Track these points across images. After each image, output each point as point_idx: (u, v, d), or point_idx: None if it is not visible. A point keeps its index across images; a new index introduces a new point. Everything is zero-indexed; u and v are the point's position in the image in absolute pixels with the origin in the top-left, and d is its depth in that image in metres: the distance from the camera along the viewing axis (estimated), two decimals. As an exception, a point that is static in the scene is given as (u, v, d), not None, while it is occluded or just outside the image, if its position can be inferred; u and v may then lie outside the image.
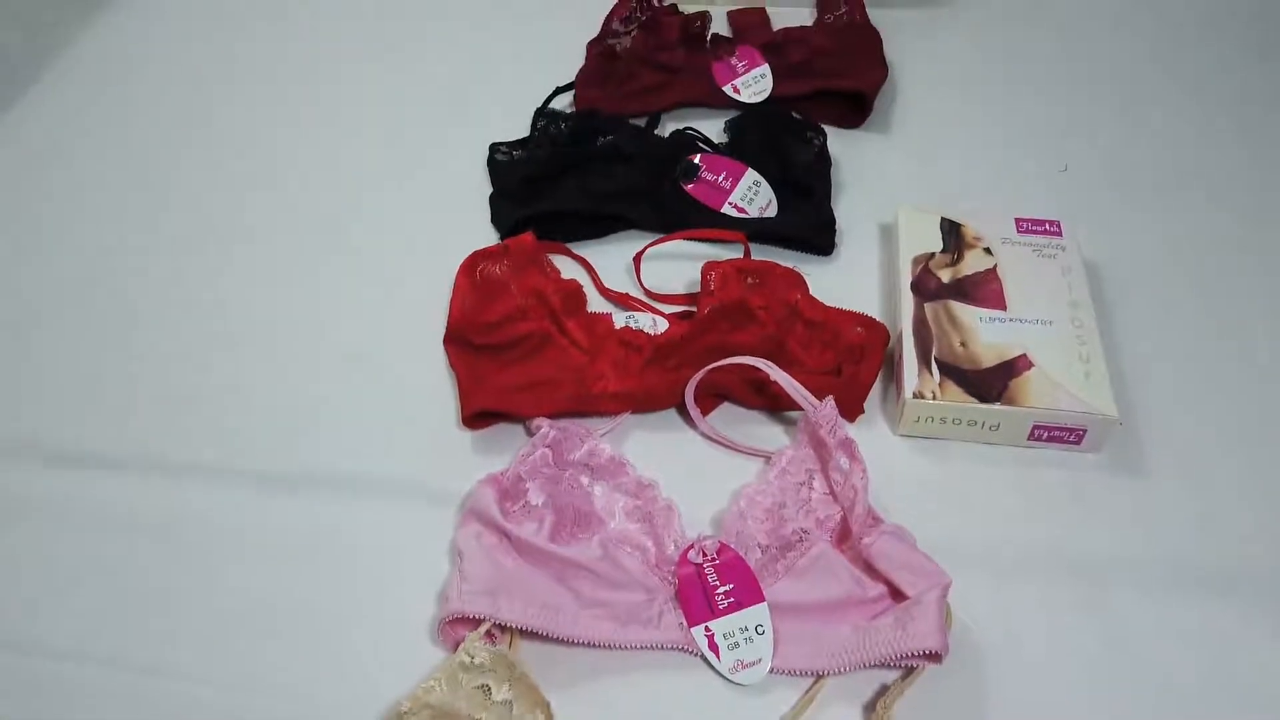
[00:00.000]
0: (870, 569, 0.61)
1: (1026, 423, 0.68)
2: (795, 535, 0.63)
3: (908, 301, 0.74)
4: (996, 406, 0.67)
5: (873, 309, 0.78)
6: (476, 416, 0.71)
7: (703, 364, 0.70)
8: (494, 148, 0.91)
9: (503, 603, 0.58)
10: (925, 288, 0.75)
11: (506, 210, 0.87)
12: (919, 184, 0.90)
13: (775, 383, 0.68)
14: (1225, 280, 0.82)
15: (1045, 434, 0.68)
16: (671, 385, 0.71)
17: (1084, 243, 0.80)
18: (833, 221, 0.86)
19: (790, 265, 0.79)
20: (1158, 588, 0.64)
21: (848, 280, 0.82)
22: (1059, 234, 0.78)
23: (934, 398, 0.68)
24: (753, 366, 0.68)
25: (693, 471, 0.70)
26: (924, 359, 0.70)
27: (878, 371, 0.73)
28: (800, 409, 0.68)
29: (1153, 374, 0.75)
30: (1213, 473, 0.69)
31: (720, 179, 0.87)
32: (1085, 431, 0.68)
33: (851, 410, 0.72)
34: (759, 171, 0.87)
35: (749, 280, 0.77)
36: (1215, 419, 0.72)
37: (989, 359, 0.70)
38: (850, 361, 0.73)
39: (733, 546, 0.63)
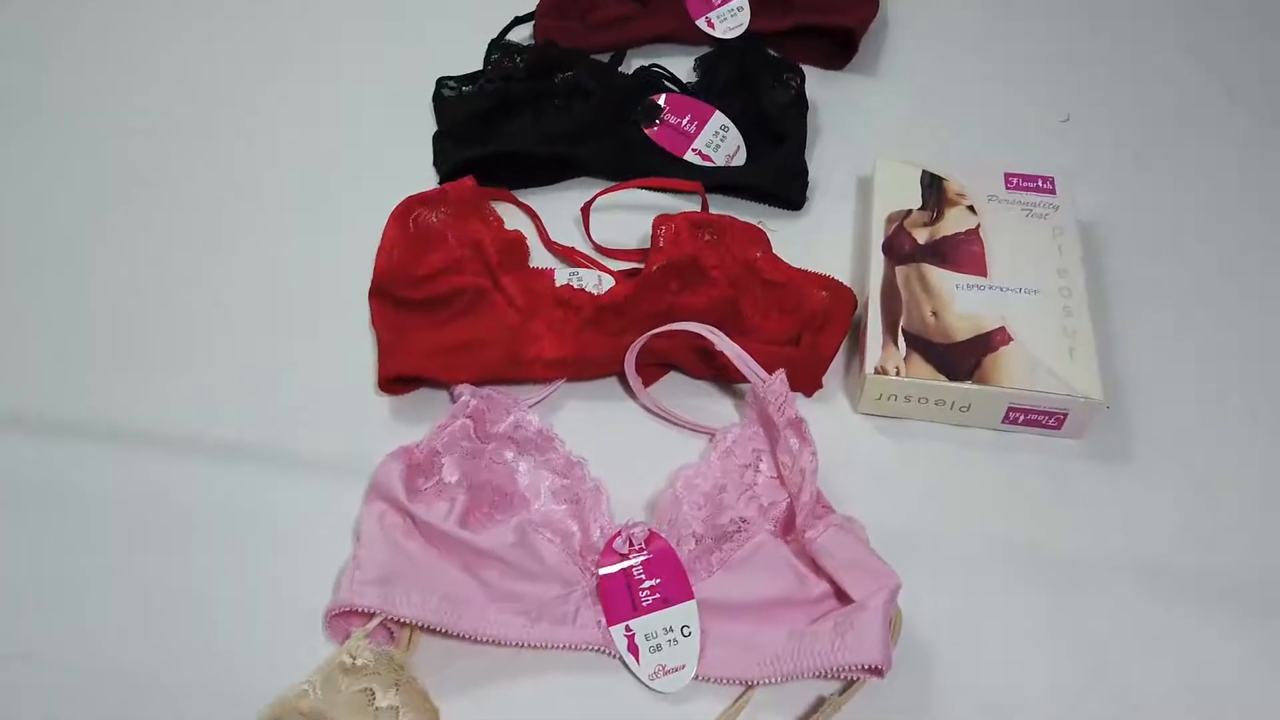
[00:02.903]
0: (816, 564, 0.55)
1: (1001, 404, 0.61)
2: (734, 524, 0.57)
3: (877, 263, 0.67)
4: (967, 385, 0.60)
5: (843, 271, 0.71)
6: (394, 381, 0.64)
7: (648, 328, 0.63)
8: (441, 82, 0.83)
9: (398, 594, 0.52)
10: (898, 249, 0.68)
11: (450, 151, 0.80)
12: (905, 134, 0.82)
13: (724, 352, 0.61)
14: (1235, 250, 0.74)
15: (1021, 417, 0.61)
16: (612, 351, 0.64)
17: (1081, 202, 0.72)
18: (805, 172, 0.78)
19: (755, 221, 0.72)
20: (1134, 591, 0.57)
21: (817, 238, 0.74)
22: (1052, 191, 0.70)
23: (898, 374, 0.61)
24: (700, 334, 0.61)
25: (630, 448, 0.63)
26: (890, 329, 0.63)
27: (840, 341, 0.66)
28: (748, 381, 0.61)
29: (1147, 352, 0.67)
30: (1204, 465, 0.62)
31: (684, 122, 0.79)
32: (1066, 415, 0.61)
33: (809, 384, 0.65)
34: (728, 115, 0.80)
35: (705, 236, 0.69)
36: (1214, 405, 0.65)
37: (963, 331, 0.63)
38: (811, 329, 0.66)
39: (664, 535, 0.57)
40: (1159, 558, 0.59)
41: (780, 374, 0.60)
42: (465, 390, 0.62)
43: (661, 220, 0.70)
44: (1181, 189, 0.78)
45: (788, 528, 0.57)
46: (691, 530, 0.57)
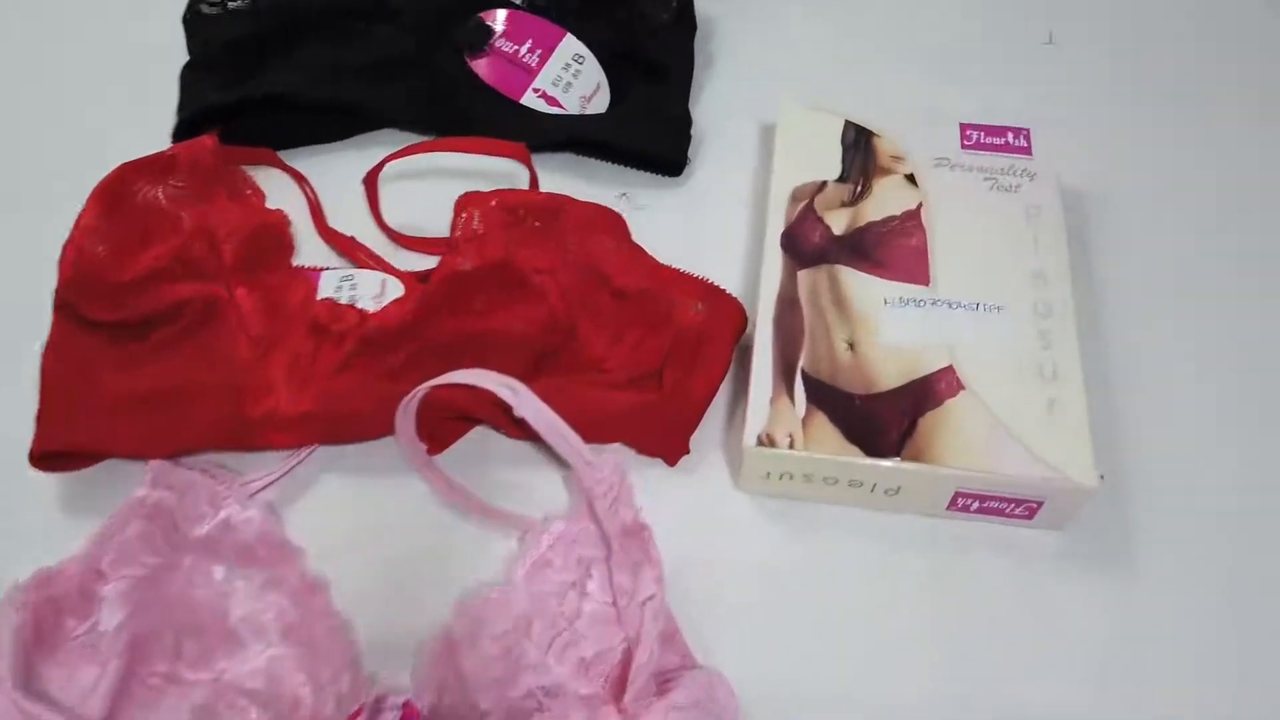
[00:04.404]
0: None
1: (945, 488, 0.41)
2: (534, 700, 0.37)
3: (772, 267, 0.46)
4: (893, 464, 0.41)
5: (735, 270, 0.51)
6: (51, 457, 0.44)
7: (438, 365, 0.43)
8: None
9: None
10: (804, 243, 0.47)
11: (199, 94, 0.57)
12: (829, 66, 0.60)
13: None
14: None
15: (975, 504, 0.42)
16: (379, 403, 0.43)
17: (1067, 165, 0.51)
18: (688, 121, 0.56)
19: (613, 194, 0.51)
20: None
21: (702, 219, 0.53)
22: (1027, 150, 0.50)
23: (791, 445, 0.41)
24: (493, 389, 0.40)
25: (413, 551, 0.43)
26: (785, 370, 0.43)
27: (720, 379, 0.46)
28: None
29: (1161, 390, 0.47)
30: (1237, 570, 0.43)
31: (524, 51, 0.57)
32: (1041, 504, 0.41)
33: (672, 445, 0.45)
34: (585, 40, 0.58)
35: (532, 223, 0.48)
36: (1256, 476, 0.46)
37: (891, 373, 0.42)
38: (678, 363, 0.46)
39: (426, 714, 0.37)
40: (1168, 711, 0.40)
41: (613, 459, 0.39)
42: (152, 472, 0.42)
43: (463, 203, 0.49)
44: (1209, 140, 0.57)
45: (623, 688, 0.38)
46: (473, 704, 0.38)
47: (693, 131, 0.56)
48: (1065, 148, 0.51)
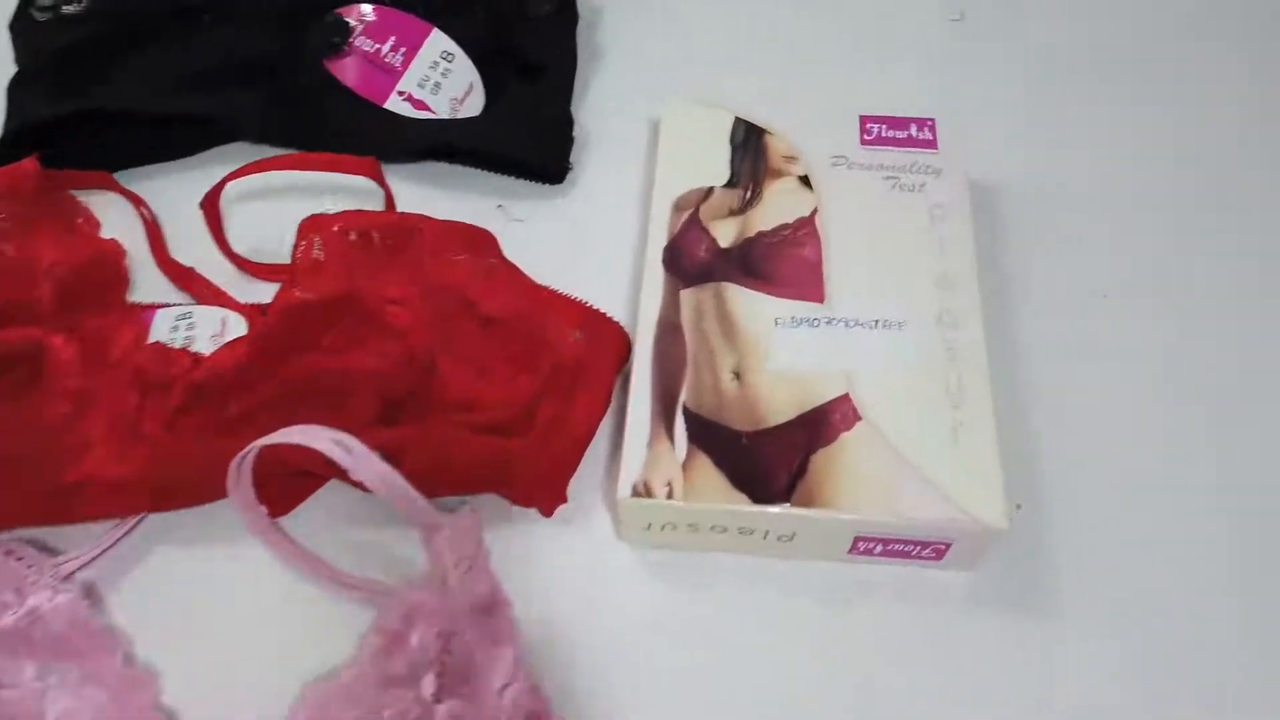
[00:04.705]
0: None
1: (842, 534, 0.37)
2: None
3: (652, 287, 0.42)
4: (783, 510, 0.36)
5: (620, 289, 0.46)
6: None
7: (278, 415, 0.38)
8: (27, 2, 0.55)
9: None
10: (688, 258, 0.42)
11: (26, 109, 0.52)
12: (728, 55, 0.55)
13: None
14: (1228, 231, 0.50)
15: (878, 547, 0.38)
16: (214, 462, 0.38)
17: (978, 157, 0.47)
18: (569, 123, 0.52)
19: (486, 209, 0.46)
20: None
21: (586, 232, 0.49)
22: (932, 144, 0.45)
23: (670, 494, 0.37)
24: (332, 438, 0.35)
25: (255, 632, 0.38)
26: (665, 406, 0.38)
27: (600, 415, 0.41)
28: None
29: (1082, 403, 0.43)
30: (1158, 605, 0.39)
31: (386, 50, 0.52)
32: (949, 546, 0.37)
33: (547, 493, 0.40)
34: (455, 35, 0.53)
35: (383, 246, 0.43)
36: (1191, 501, 0.42)
37: (781, 406, 0.38)
38: (554, 399, 0.41)
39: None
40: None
41: (467, 522, 0.35)
42: (-56, 556, 0.37)
43: (305, 228, 0.43)
44: (1142, 127, 0.53)
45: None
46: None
47: (576, 133, 0.52)
48: (976, 138, 0.46)
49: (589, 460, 0.41)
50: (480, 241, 0.45)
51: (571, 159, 0.51)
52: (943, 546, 0.37)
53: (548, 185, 0.50)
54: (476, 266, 0.43)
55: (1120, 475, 0.41)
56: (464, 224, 0.44)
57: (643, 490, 0.36)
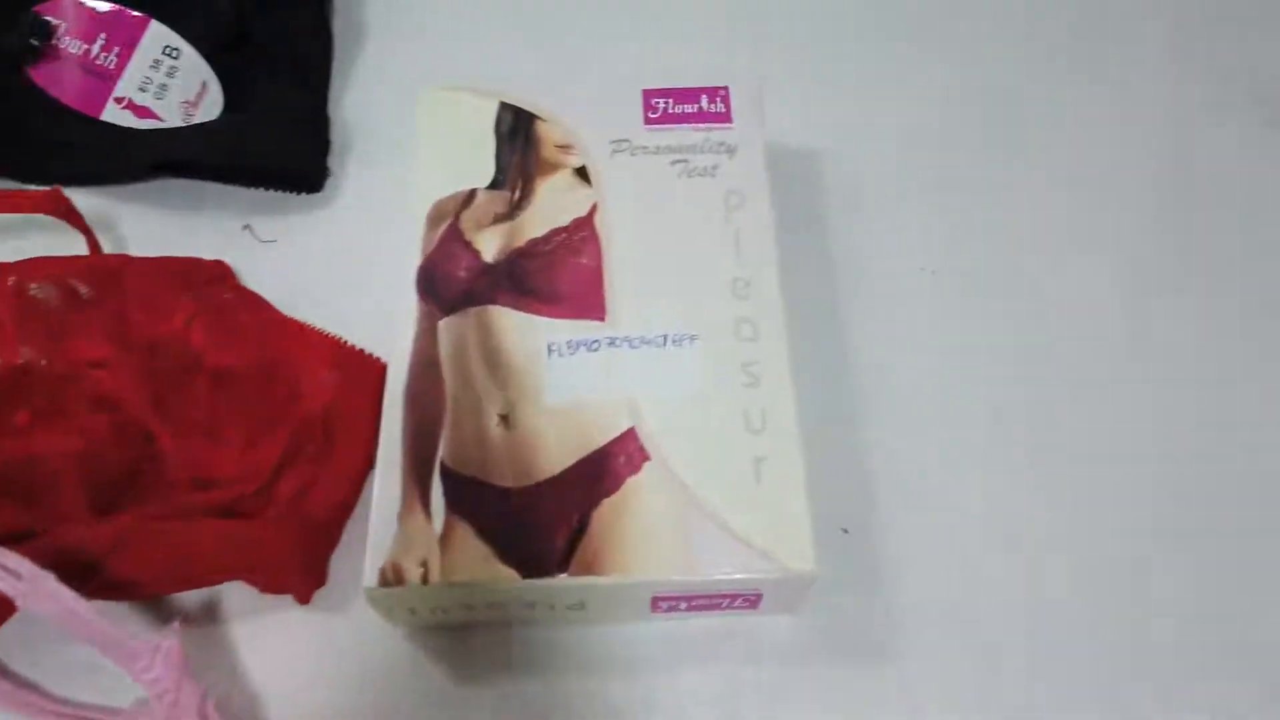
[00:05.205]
0: None
1: (636, 597, 0.32)
2: None
3: (406, 318, 0.35)
4: (559, 581, 0.31)
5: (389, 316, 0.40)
6: None
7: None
8: None
9: None
10: (446, 279, 0.36)
11: None
12: (511, 30, 0.49)
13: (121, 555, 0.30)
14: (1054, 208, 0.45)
15: (684, 604, 0.33)
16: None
17: (779, 129, 0.41)
18: (325, 123, 0.45)
19: (231, 230, 0.39)
20: None
21: (350, 249, 0.42)
22: (726, 118, 0.40)
23: (425, 578, 0.31)
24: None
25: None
26: (419, 467, 0.33)
27: (361, 475, 0.35)
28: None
29: (913, 405, 0.38)
30: (1001, 636, 0.35)
31: (96, 50, 0.44)
32: (760, 596, 0.33)
33: (301, 576, 0.34)
34: (180, 27, 0.45)
35: (80, 298, 0.36)
36: (1028, 507, 0.38)
37: (555, 451, 0.32)
38: (301, 463, 0.35)
39: None
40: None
41: (164, 648, 0.29)
42: None
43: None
44: (966, 84, 0.48)
45: None
46: None
47: (335, 133, 0.45)
48: (775, 107, 0.41)
49: (355, 531, 0.35)
50: (205, 276, 0.38)
51: (331, 163, 0.44)
52: (753, 596, 0.32)
53: (304, 196, 0.44)
54: (202, 308, 0.37)
55: (958, 487, 0.37)
56: (182, 258, 0.37)
57: (391, 577, 0.30)
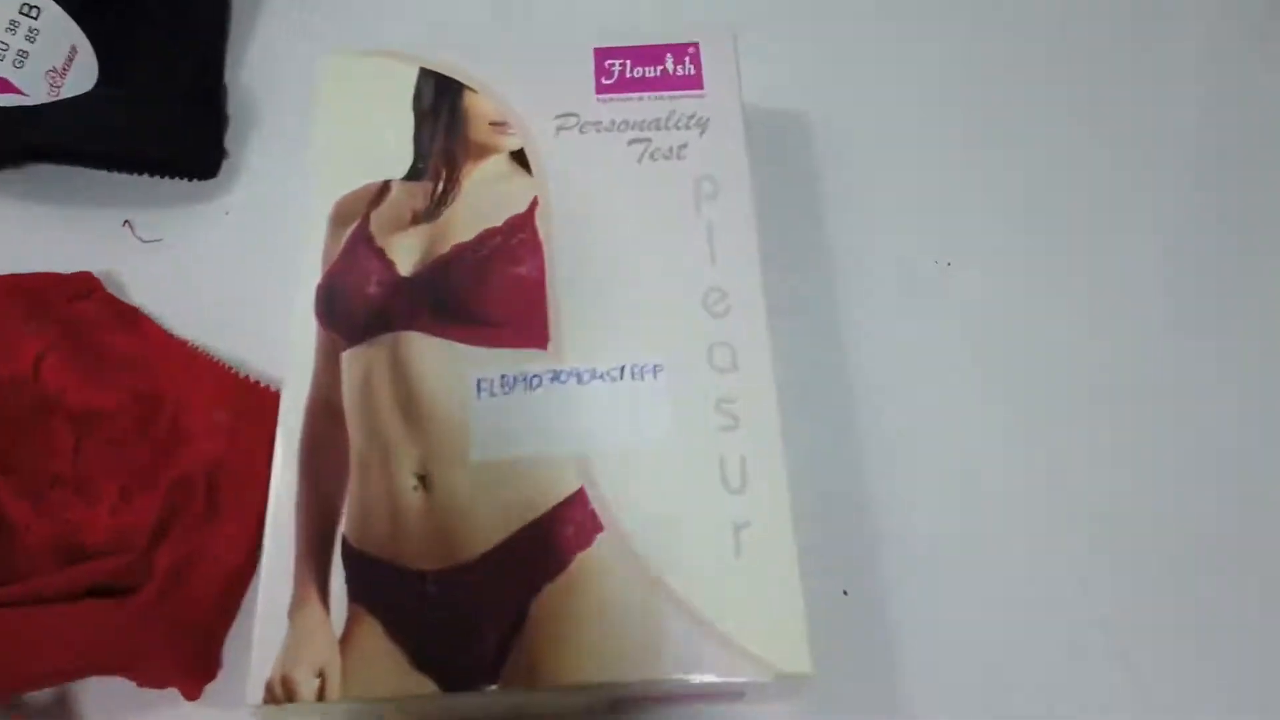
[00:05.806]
0: None
1: (593, 698, 0.26)
2: None
3: (302, 352, 0.29)
4: (490, 695, 0.25)
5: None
6: None
7: None
8: None
9: None
10: (350, 300, 0.29)
11: None
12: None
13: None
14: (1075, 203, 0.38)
15: (648, 704, 0.27)
16: None
17: (754, 87, 0.34)
18: (220, 97, 0.37)
19: (108, 228, 0.33)
20: None
21: (248, 247, 0.35)
22: (696, 83, 0.33)
23: (320, 693, 0.25)
24: None
25: None
26: (316, 544, 0.26)
27: (259, 537, 0.29)
28: None
29: (925, 436, 0.32)
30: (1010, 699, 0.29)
31: (-62, 14, 0.37)
32: (743, 693, 0.27)
33: (188, 664, 0.28)
34: (42, -20, 0.37)
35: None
36: (1039, 548, 0.31)
37: (485, 523, 0.26)
38: (184, 525, 0.29)
39: None
40: None
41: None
42: None
43: None
44: (955, 45, 0.41)
45: None
46: None
47: (232, 108, 0.38)
48: (754, 67, 0.34)
49: (252, 608, 0.29)
50: (67, 293, 0.31)
51: (227, 143, 0.37)
52: (736, 692, 0.26)
53: (195, 183, 0.37)
54: (60, 337, 0.30)
55: (976, 555, 0.31)
56: (36, 275, 0.31)
57: (280, 692, 0.24)
